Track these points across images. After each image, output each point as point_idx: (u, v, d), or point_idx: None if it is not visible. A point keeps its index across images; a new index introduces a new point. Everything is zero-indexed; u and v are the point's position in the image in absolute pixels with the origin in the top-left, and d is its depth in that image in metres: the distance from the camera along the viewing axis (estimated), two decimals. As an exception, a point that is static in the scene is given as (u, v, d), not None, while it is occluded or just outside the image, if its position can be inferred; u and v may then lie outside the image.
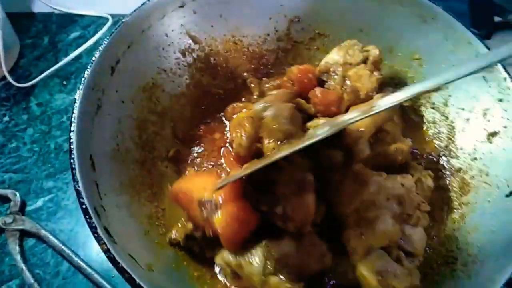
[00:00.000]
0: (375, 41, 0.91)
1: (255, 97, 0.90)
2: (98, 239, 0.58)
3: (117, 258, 0.57)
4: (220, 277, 0.70)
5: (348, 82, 0.83)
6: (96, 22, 1.23)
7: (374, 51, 0.86)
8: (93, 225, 0.59)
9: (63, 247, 0.84)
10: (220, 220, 0.61)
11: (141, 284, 0.55)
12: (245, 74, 0.96)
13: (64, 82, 1.12)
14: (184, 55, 0.91)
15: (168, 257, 0.68)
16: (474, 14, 1.13)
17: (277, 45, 0.98)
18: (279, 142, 0.66)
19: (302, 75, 0.87)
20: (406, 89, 0.59)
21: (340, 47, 0.90)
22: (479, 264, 0.65)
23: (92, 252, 0.84)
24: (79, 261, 0.82)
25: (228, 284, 0.68)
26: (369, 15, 0.91)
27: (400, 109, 0.88)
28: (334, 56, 0.89)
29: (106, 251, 0.57)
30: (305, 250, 0.65)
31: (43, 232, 0.86)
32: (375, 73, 0.84)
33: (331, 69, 0.87)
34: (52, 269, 0.83)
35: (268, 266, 0.61)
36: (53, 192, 0.94)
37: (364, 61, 0.86)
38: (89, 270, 0.81)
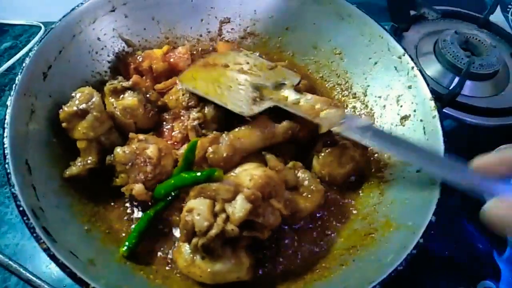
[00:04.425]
0: (300, 38, 0.98)
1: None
2: (37, 239, 0.60)
3: (57, 255, 0.59)
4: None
5: None
6: (28, 31, 1.20)
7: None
8: (31, 225, 0.61)
9: (9, 261, 0.82)
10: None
11: (82, 277, 0.58)
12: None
13: (-2, 94, 1.09)
14: (118, 58, 0.93)
15: (110, 252, 0.70)
16: (392, 10, 1.23)
17: (211, 45, 1.03)
18: None
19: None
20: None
21: None
22: (394, 232, 0.73)
23: (41, 264, 0.84)
24: (28, 274, 0.81)
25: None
26: (293, 14, 0.98)
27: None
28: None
29: (46, 250, 0.59)
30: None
31: (-15, 248, 0.83)
32: None
33: None
34: (0, 285, 0.82)
35: None
36: (-6, 207, 0.91)
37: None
38: (38, 282, 0.80)
